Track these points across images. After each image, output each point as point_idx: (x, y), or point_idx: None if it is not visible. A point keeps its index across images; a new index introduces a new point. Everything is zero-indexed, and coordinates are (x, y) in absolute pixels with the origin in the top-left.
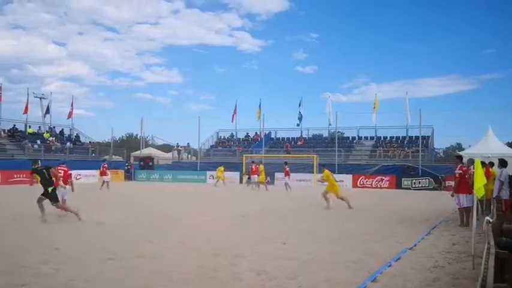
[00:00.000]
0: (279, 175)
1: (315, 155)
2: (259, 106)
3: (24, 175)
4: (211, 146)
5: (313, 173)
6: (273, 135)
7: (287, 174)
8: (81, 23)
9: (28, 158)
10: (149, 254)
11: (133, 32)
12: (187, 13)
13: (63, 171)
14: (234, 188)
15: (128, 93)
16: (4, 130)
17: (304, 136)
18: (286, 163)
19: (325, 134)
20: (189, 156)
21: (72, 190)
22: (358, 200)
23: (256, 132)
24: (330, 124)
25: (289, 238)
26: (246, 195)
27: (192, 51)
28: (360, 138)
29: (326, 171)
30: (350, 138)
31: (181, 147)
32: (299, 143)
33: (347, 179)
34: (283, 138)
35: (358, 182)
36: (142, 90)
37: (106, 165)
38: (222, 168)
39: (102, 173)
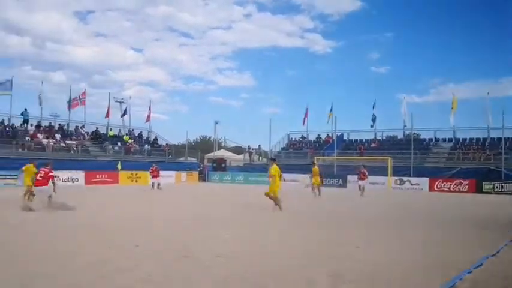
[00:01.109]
0: (352, 178)
1: (389, 158)
2: (331, 109)
3: (106, 175)
4: (282, 148)
5: (387, 175)
6: (345, 137)
7: (363, 177)
8: (158, 29)
9: (110, 160)
10: (225, 254)
11: (207, 36)
12: (259, 17)
13: (43, 172)
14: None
15: (201, 97)
16: (88, 133)
17: (378, 138)
18: (364, 166)
19: (400, 136)
20: (260, 158)
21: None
22: (435, 204)
23: (327, 134)
24: (405, 125)
25: (360, 241)
26: (310, 198)
27: (264, 54)
28: (437, 140)
29: (274, 165)
30: (426, 140)
31: (252, 149)
32: (372, 145)
33: (423, 182)
34: (355, 140)
35: (436, 186)
36: (215, 94)
37: (155, 168)
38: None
39: (153, 175)
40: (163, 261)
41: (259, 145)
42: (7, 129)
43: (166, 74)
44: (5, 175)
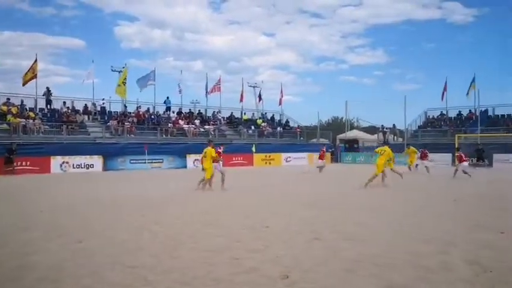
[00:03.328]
0: (499, 156)
1: None
2: (473, 80)
3: (241, 158)
4: (419, 127)
5: None
6: (490, 113)
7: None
8: (288, 12)
9: (244, 143)
10: (357, 237)
11: (338, 15)
12: None
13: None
14: (442, 171)
15: (333, 77)
16: (224, 117)
17: None
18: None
19: None
20: (395, 138)
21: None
22: None
23: (470, 110)
24: None
25: (507, 226)
26: (457, 180)
27: (398, 28)
28: None
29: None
30: None
31: (386, 128)
32: None
33: None
34: (503, 116)
35: None
36: (347, 73)
37: (324, 150)
38: (410, 149)
39: (321, 157)
40: (293, 243)
41: (393, 124)
42: (152, 116)
43: (298, 55)
44: (152, 159)
